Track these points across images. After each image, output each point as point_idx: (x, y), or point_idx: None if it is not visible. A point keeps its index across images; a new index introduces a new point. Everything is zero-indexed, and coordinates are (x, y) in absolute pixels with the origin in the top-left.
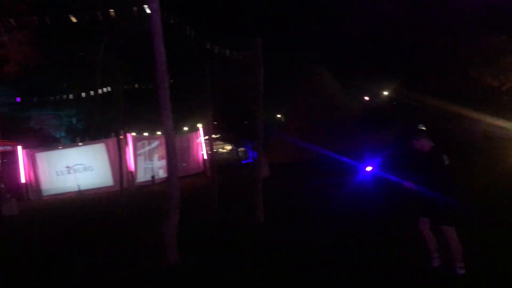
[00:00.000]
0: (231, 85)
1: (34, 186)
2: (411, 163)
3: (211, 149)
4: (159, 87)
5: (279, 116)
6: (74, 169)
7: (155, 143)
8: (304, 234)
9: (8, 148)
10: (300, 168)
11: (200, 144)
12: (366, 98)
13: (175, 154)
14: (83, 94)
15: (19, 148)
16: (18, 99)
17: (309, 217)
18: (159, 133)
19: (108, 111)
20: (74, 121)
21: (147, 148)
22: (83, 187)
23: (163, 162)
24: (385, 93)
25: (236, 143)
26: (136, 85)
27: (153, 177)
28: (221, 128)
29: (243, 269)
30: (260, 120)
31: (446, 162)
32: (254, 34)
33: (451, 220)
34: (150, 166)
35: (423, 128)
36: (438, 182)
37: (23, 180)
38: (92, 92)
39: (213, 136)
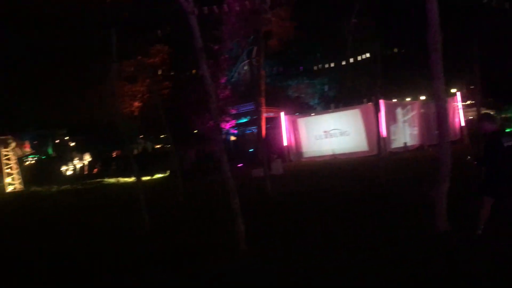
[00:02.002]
0: (498, 42)
1: (294, 148)
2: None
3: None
4: (431, 49)
5: None
6: (331, 133)
7: (415, 111)
8: None
9: (271, 114)
10: None
11: (457, 111)
12: None
13: (447, 119)
14: (335, 64)
15: (282, 114)
16: (282, 69)
17: None
18: (408, 99)
19: (358, 78)
20: (326, 88)
21: (406, 115)
22: (337, 151)
23: (415, 129)
24: None
25: (497, 110)
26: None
27: (405, 143)
28: (479, 93)
29: None
30: None
31: (507, 144)
32: None
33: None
34: (403, 132)
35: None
36: (489, 161)
37: (285, 143)
38: (351, 60)
39: (469, 102)
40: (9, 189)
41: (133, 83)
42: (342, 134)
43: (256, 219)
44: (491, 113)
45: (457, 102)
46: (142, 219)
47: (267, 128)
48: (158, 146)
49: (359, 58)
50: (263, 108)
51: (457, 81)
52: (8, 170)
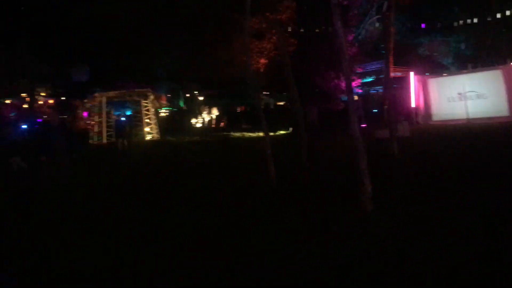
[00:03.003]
0: None
1: (423, 110)
2: None
3: None
4: None
5: None
6: (466, 96)
7: None
8: None
9: (399, 74)
10: None
11: None
12: None
13: None
14: (475, 19)
15: (411, 74)
16: (423, 25)
17: None
18: None
19: (501, 35)
20: (462, 47)
21: None
22: (472, 115)
23: None
24: None
25: None
26: None
27: None
28: None
29: None
30: None
31: None
32: None
33: None
34: None
35: None
36: None
37: (413, 105)
38: (498, 15)
39: None
40: (148, 137)
41: (260, 40)
42: (479, 97)
43: (381, 181)
44: None
45: None
46: (269, 174)
47: (394, 88)
48: (280, 103)
49: (506, 12)
50: (391, 67)
51: None
52: (147, 120)
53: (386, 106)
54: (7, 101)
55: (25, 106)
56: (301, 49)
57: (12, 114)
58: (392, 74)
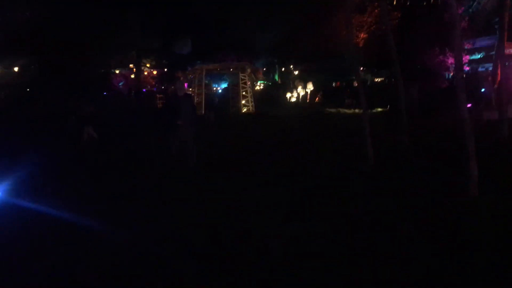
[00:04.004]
0: None
1: None
2: None
3: None
4: None
5: None
6: None
7: None
8: None
9: None
10: None
11: None
12: None
13: None
14: None
15: None
16: None
17: None
18: None
19: None
20: None
21: None
22: None
23: None
24: None
25: None
26: None
27: None
28: None
29: None
30: None
31: None
32: None
33: None
34: None
35: None
36: None
37: None
38: None
39: None
40: (244, 110)
41: (361, 14)
42: None
43: (488, 165)
44: None
45: None
46: (366, 153)
47: (507, 67)
48: (377, 79)
49: None
50: (505, 43)
51: None
52: (244, 93)
53: (496, 85)
54: (117, 71)
55: (132, 76)
56: (404, 23)
57: (120, 84)
58: (506, 51)
